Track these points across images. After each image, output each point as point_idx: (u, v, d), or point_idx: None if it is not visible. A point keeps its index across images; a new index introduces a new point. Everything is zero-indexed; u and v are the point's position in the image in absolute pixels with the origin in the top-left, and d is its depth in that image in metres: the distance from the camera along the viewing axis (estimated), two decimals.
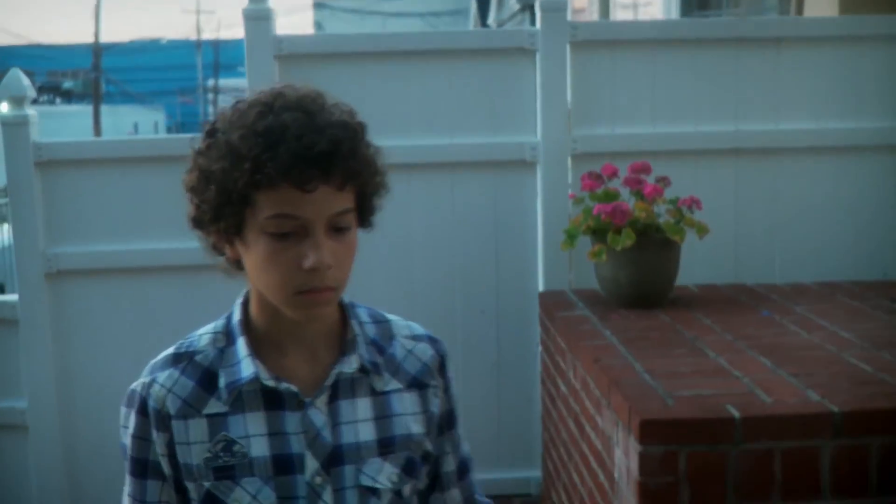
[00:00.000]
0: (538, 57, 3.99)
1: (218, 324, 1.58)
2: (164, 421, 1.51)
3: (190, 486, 1.51)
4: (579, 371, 3.09)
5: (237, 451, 1.49)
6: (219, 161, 1.44)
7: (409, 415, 1.58)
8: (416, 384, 1.60)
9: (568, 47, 4.00)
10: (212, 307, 4.13)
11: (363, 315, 1.61)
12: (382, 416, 1.56)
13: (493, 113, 3.98)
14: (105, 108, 26.62)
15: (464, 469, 1.70)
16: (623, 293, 3.52)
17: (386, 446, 1.55)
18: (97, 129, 23.73)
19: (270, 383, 1.50)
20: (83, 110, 26.88)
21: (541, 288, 4.04)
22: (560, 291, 3.91)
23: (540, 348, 3.94)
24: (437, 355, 1.63)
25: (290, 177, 1.40)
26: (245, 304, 1.57)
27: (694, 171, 3.99)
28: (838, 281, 3.94)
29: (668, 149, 4.00)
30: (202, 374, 1.52)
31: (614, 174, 3.67)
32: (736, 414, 2.39)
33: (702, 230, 3.50)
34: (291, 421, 1.51)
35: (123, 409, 1.56)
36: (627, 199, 3.57)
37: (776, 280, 4.02)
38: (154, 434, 1.51)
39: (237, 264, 1.53)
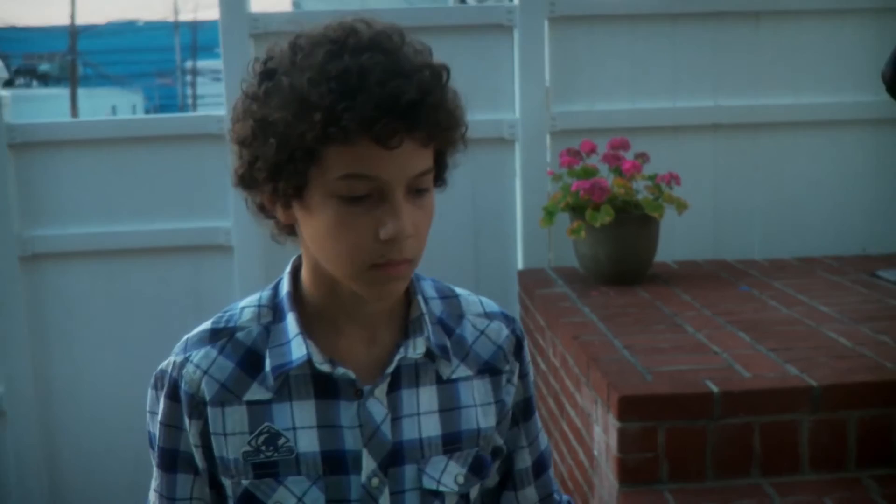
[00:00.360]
0: (516, 33, 3.96)
1: (263, 295, 1.35)
2: (197, 407, 1.30)
3: (226, 482, 1.31)
4: (558, 348, 3.08)
5: (282, 446, 1.29)
6: (281, 109, 1.20)
7: (478, 406, 1.37)
8: (489, 370, 1.39)
9: (546, 23, 3.98)
10: (192, 289, 4.13)
11: (428, 289, 1.40)
12: (449, 408, 1.35)
13: (470, 90, 3.88)
14: (82, 91, 26.45)
15: (541, 465, 1.49)
16: (602, 270, 3.51)
17: (451, 443, 1.35)
18: (74, 113, 23.58)
19: (325, 368, 1.29)
20: (60, 93, 26.70)
21: (520, 266, 4.02)
22: (539, 269, 3.90)
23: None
24: (512, 336, 1.42)
25: (371, 131, 1.17)
26: (294, 274, 1.35)
27: (673, 146, 3.97)
28: (817, 256, 3.94)
29: (646, 125, 3.98)
30: (244, 354, 1.31)
31: (593, 151, 3.65)
32: (715, 389, 2.38)
33: (681, 206, 3.49)
34: (346, 412, 1.30)
35: (151, 393, 1.35)
36: (606, 176, 3.55)
37: (755, 256, 4.02)
38: (186, 422, 1.31)
39: (288, 229, 1.31)
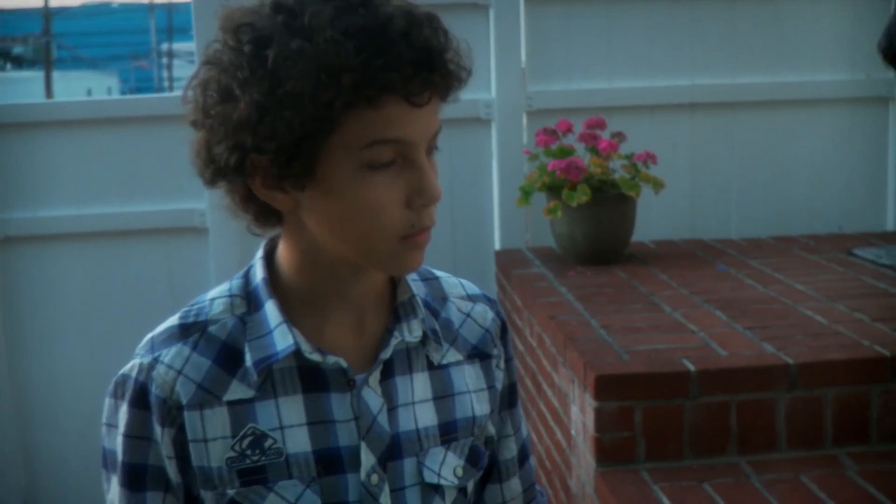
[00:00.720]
0: (491, 12, 3.94)
1: (233, 284, 1.23)
2: (171, 413, 1.16)
3: (207, 495, 1.17)
4: (535, 328, 3.08)
5: (269, 448, 1.17)
6: (296, 79, 1.05)
7: (472, 392, 1.29)
8: (478, 354, 1.31)
9: (521, 2, 3.95)
10: (167, 271, 4.09)
11: None
12: (443, 395, 1.26)
13: None
14: (57, 74, 26.24)
15: (524, 455, 1.41)
16: (579, 250, 3.50)
17: (448, 433, 1.25)
18: (49, 96, 23.41)
19: (315, 357, 1.17)
20: (35, 76, 26.49)
21: (497, 246, 4.01)
22: (516, 250, 3.89)
23: None
24: (497, 319, 1.34)
25: (405, 88, 1.07)
26: (267, 259, 1.23)
27: (650, 125, 3.97)
28: (794, 235, 3.95)
29: (623, 104, 3.97)
30: (220, 349, 1.18)
31: (569, 130, 3.64)
32: (691, 367, 2.38)
33: (657, 185, 3.48)
34: (339, 405, 1.19)
35: (109, 402, 1.21)
36: (583, 155, 3.54)
37: (732, 235, 4.02)
38: (157, 431, 1.17)
39: (274, 218, 1.19)
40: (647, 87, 4.03)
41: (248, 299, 1.21)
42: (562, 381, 2.72)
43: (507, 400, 1.37)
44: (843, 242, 3.75)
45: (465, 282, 1.36)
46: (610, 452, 2.36)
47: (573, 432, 2.60)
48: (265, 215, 1.19)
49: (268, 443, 1.17)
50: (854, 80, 4.10)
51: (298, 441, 1.17)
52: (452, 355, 1.28)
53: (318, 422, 1.18)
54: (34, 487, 4.02)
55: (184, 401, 1.16)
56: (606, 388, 2.36)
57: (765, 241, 3.87)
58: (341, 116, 1.07)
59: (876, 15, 4.04)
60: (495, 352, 1.33)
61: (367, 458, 1.19)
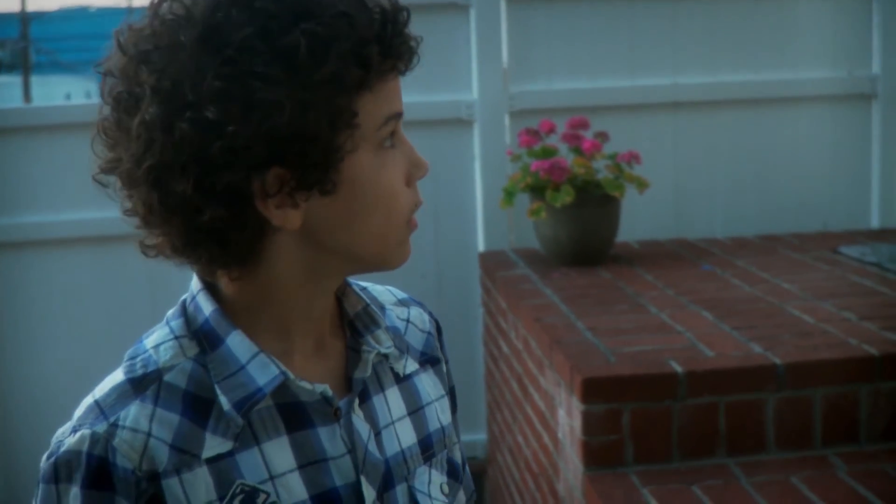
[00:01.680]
0: (472, 12, 3.91)
1: (172, 326, 1.07)
2: (140, 486, 0.99)
3: None
4: (521, 331, 3.05)
5: None
6: (330, 61, 0.95)
7: (435, 402, 1.21)
8: (428, 360, 1.23)
9: (502, 1, 3.93)
10: (147, 276, 4.05)
11: None
12: (415, 409, 1.17)
13: (427, 71, 3.80)
14: (35, 79, 26.08)
15: (464, 460, 1.30)
16: (564, 251, 3.48)
17: (426, 448, 1.17)
18: (27, 100, 23.27)
19: (304, 385, 1.04)
20: (12, 81, 26.31)
21: (481, 248, 3.99)
22: (500, 251, 3.86)
23: (482, 309, 3.90)
24: (433, 321, 1.26)
25: (406, 56, 1.03)
26: (211, 288, 1.08)
27: (633, 125, 3.94)
28: (779, 233, 3.93)
29: (606, 104, 3.95)
30: (185, 399, 1.02)
31: (552, 130, 3.61)
32: (679, 369, 2.36)
33: (641, 185, 3.46)
34: (329, 439, 1.06)
35: (46, 490, 1.00)
36: (566, 156, 3.52)
37: (717, 234, 4.00)
38: None
39: (244, 248, 1.02)
40: (629, 86, 4.01)
41: (199, 338, 1.05)
42: (548, 385, 2.69)
43: (451, 405, 1.28)
44: (828, 241, 3.74)
45: (391, 288, 1.26)
46: (598, 456, 2.34)
47: (560, 436, 2.57)
48: (239, 246, 1.02)
49: (261, 499, 1.02)
50: (836, 78, 4.09)
51: (293, 489, 1.04)
52: (411, 364, 1.19)
53: (310, 463, 1.05)
54: (11, 489, 3.98)
55: (160, 467, 0.99)
56: (593, 390, 2.34)
57: (750, 239, 3.85)
58: (363, 97, 0.99)
59: (858, 12, 4.04)
60: (440, 355, 1.25)
61: (369, 493, 1.08)
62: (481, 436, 4.04)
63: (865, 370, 2.42)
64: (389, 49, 1.00)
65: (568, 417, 2.47)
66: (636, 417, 2.34)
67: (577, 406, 2.36)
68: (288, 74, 0.95)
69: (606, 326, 2.72)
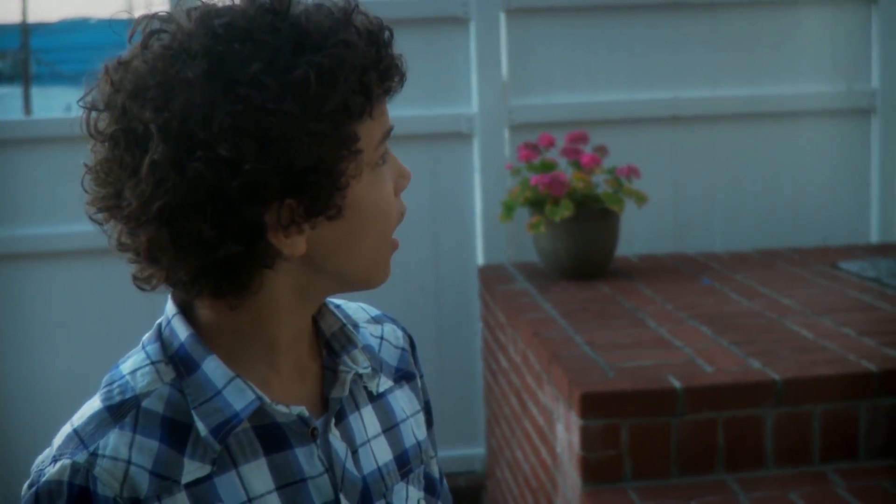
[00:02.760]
0: (472, 26, 3.91)
1: (148, 351, 1.07)
2: None
3: None
4: (519, 345, 3.04)
5: None
6: (337, 91, 0.97)
7: (410, 418, 1.22)
8: (403, 376, 1.24)
9: (502, 15, 3.94)
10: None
11: None
12: (389, 426, 1.18)
13: (426, 84, 3.89)
14: (36, 90, 26.10)
15: (442, 475, 1.31)
16: (563, 265, 3.47)
17: (403, 465, 1.18)
18: (28, 111, 23.29)
19: (281, 409, 1.05)
20: (13, 92, 26.33)
21: (480, 262, 3.98)
22: (499, 265, 3.86)
23: (480, 323, 3.89)
24: (406, 336, 1.27)
25: (397, 76, 1.05)
26: (186, 312, 1.08)
27: (632, 139, 3.94)
28: (778, 248, 3.93)
29: (605, 118, 3.95)
30: (163, 425, 1.02)
31: (551, 144, 3.61)
32: (677, 384, 2.35)
33: (641, 199, 3.46)
34: (307, 460, 1.07)
35: None
36: (565, 170, 3.52)
37: (716, 248, 4.00)
38: None
39: (243, 277, 1.02)
40: (629, 100, 4.02)
41: (175, 363, 1.05)
42: (547, 399, 2.69)
43: (427, 419, 1.28)
44: (827, 255, 3.74)
45: (363, 305, 1.27)
46: (596, 471, 2.33)
47: (559, 451, 2.56)
48: (246, 278, 1.02)
49: None
50: (836, 92, 4.09)
51: None
52: (385, 382, 1.20)
53: (289, 483, 1.06)
54: (9, 499, 3.97)
55: (141, 494, 1.00)
56: (592, 405, 2.33)
57: (749, 254, 3.85)
58: (365, 122, 1.01)
59: (857, 27, 4.05)
60: (415, 371, 1.26)
61: None
62: (480, 450, 4.03)
63: (864, 386, 2.41)
64: (385, 73, 1.02)
65: (566, 432, 2.46)
66: (635, 433, 2.33)
67: (575, 421, 2.36)
68: (300, 109, 0.96)
69: (605, 341, 2.72)
